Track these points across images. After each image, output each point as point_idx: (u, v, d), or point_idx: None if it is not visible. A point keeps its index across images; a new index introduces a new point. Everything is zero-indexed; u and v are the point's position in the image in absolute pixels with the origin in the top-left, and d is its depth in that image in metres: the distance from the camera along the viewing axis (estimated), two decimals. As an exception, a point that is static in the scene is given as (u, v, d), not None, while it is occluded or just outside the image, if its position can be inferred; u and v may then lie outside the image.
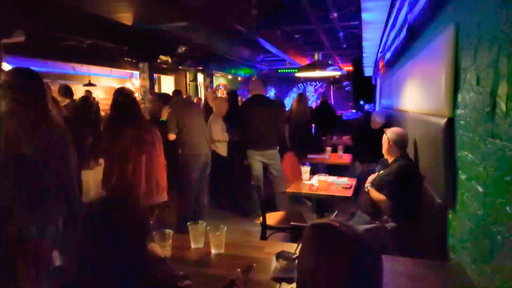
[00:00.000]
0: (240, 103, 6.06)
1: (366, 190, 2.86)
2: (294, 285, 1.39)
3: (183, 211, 4.10)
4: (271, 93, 14.64)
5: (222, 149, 4.79)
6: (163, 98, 4.86)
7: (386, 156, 2.84)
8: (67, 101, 4.67)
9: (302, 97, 6.00)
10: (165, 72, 9.41)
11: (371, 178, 2.95)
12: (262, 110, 4.39)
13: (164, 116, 4.25)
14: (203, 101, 7.03)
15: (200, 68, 9.44)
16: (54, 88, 5.37)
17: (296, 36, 8.96)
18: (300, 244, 1.03)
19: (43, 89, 2.11)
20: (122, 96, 2.77)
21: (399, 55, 4.28)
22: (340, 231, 0.95)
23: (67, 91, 4.74)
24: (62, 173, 2.05)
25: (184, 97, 6.50)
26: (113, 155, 2.58)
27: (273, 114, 4.45)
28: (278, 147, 4.55)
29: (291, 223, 3.07)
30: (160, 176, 2.83)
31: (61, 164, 2.03)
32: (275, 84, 15.30)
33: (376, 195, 2.81)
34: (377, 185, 2.77)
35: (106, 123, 2.75)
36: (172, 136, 3.98)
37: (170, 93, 5.74)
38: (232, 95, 6.07)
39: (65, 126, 2.18)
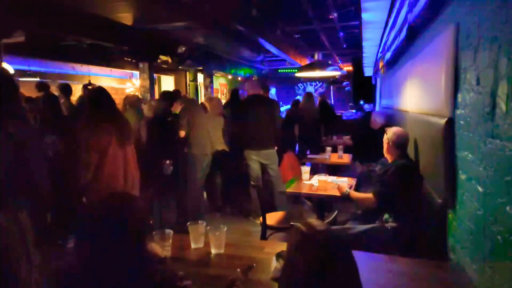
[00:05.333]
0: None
1: (346, 193, 2.89)
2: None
3: (184, 210, 4.12)
4: (272, 92, 14.62)
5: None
6: (169, 96, 4.79)
7: (386, 156, 2.84)
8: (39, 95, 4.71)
9: (310, 96, 6.07)
10: (165, 72, 9.40)
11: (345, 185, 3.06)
12: (259, 110, 4.39)
13: (177, 110, 4.24)
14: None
15: (200, 68, 9.43)
16: (53, 87, 5.38)
17: (296, 36, 8.94)
18: None
19: (11, 89, 2.16)
20: (97, 94, 2.80)
21: (399, 55, 4.27)
22: (303, 233, 1.02)
23: (39, 87, 4.91)
24: (25, 167, 2.09)
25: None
26: (92, 150, 2.58)
27: (270, 114, 4.45)
28: (276, 147, 4.54)
29: (291, 223, 3.08)
30: (136, 173, 2.85)
31: (25, 158, 2.07)
32: (275, 84, 15.29)
33: (358, 195, 2.84)
34: (373, 184, 2.79)
35: (84, 119, 2.73)
36: (182, 133, 4.02)
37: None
38: (233, 93, 6.04)
39: (32, 124, 2.22)
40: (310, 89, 15.86)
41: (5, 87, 2.09)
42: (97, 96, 2.77)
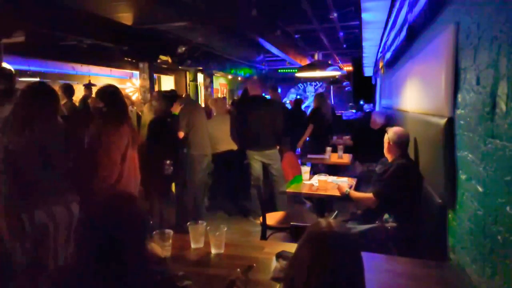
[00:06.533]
0: None
1: (346, 193, 2.88)
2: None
3: (184, 211, 4.13)
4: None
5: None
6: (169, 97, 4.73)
7: (386, 156, 2.84)
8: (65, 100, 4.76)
9: (323, 96, 6.12)
10: (165, 72, 9.40)
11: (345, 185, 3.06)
12: (260, 110, 4.40)
13: (176, 111, 4.19)
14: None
15: (200, 68, 9.43)
16: (54, 87, 5.38)
17: (296, 36, 8.94)
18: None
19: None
20: (113, 94, 2.63)
21: (399, 55, 4.27)
22: (321, 230, 1.03)
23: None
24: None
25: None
26: (117, 150, 2.46)
27: (271, 114, 4.46)
28: (278, 147, 4.55)
29: (291, 223, 3.08)
30: (138, 175, 2.77)
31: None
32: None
33: (358, 194, 2.84)
34: (373, 183, 2.79)
35: (102, 122, 2.55)
36: (181, 134, 4.03)
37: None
38: (244, 93, 6.01)
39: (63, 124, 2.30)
40: (310, 89, 15.87)
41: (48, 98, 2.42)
42: (113, 95, 2.61)
